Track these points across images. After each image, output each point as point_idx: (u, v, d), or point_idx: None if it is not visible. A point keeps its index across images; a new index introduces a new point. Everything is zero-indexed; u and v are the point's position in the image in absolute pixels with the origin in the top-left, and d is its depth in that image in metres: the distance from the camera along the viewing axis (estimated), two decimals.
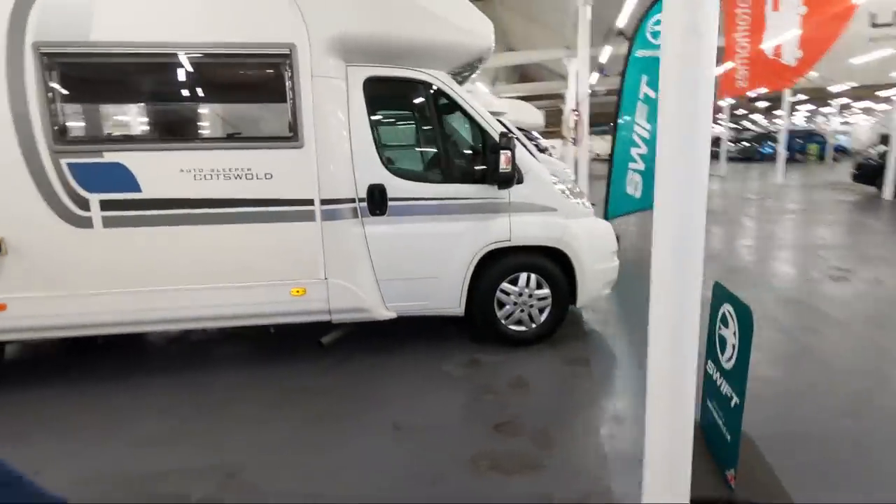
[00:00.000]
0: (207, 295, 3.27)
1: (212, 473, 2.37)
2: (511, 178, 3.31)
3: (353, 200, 3.32)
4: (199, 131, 3.30)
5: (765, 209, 10.63)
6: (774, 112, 32.55)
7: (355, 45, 3.15)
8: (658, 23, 6.71)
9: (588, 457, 2.42)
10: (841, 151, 30.20)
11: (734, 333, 1.75)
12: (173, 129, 3.29)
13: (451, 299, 3.59)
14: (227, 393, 3.21)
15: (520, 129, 11.21)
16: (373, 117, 3.33)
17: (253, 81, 3.19)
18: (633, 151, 7.15)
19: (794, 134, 27.38)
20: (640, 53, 6.98)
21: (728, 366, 1.81)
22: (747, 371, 1.67)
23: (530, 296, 3.67)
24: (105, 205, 3.10)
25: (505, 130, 3.33)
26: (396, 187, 3.37)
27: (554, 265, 3.66)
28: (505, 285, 3.63)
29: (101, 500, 2.21)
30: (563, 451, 2.46)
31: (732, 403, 1.77)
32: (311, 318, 3.43)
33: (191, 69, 3.09)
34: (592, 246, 3.74)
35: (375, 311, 3.47)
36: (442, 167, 3.55)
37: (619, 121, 7.02)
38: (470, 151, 3.71)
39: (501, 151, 3.20)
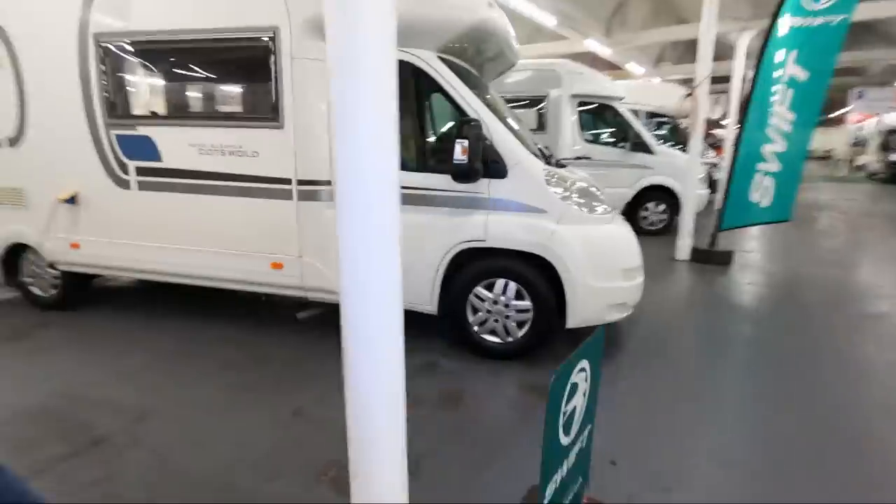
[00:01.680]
0: (206, 257, 3.67)
1: (127, 412, 2.71)
2: (468, 172, 2.94)
3: (328, 183, 3.32)
4: (201, 109, 3.66)
5: None
6: None
7: None
8: None
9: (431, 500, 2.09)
10: None
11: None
12: (182, 107, 3.71)
13: (421, 295, 3.38)
14: (186, 346, 3.59)
15: (655, 116, 9.80)
16: None
17: (245, 64, 3.39)
18: (766, 148, 5.73)
19: None
20: (789, 22, 5.50)
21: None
22: None
23: (507, 305, 3.25)
24: (139, 171, 3.68)
25: (473, 118, 2.96)
26: None
27: (538, 275, 3.16)
28: (480, 290, 3.28)
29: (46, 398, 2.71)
30: (415, 485, 2.16)
31: None
32: (288, 292, 3.59)
33: (192, 53, 3.44)
34: (590, 258, 3.11)
35: None
36: (416, 154, 3.32)
37: (750, 109, 5.66)
38: (447, 139, 3.38)
39: (457, 140, 2.85)
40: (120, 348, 3.57)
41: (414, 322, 3.37)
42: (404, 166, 3.13)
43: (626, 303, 3.32)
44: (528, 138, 3.68)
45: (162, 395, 2.92)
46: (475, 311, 3.33)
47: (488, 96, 3.91)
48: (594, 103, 7.73)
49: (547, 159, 3.43)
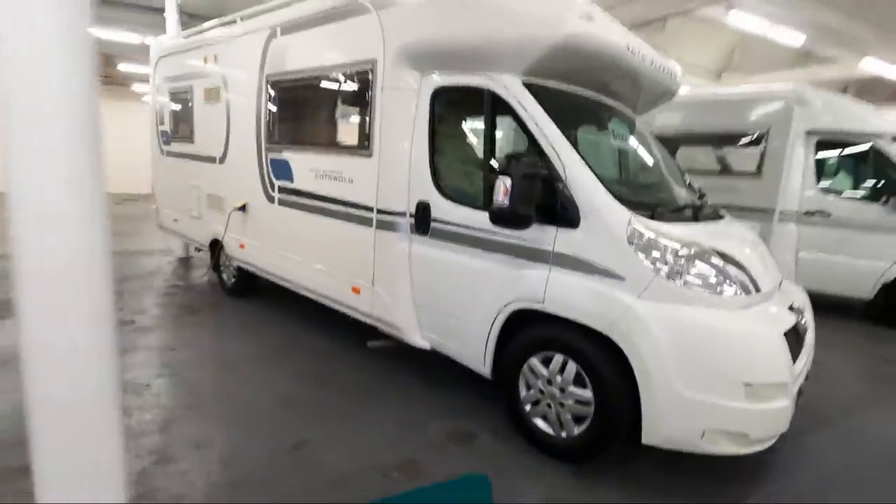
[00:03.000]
0: (311, 272, 3.97)
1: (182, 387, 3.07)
2: (509, 217, 2.38)
3: (404, 214, 3.21)
4: (318, 137, 3.96)
5: None
6: None
7: (423, 50, 2.99)
8: None
9: None
10: None
11: None
12: (305, 135, 4.09)
13: (475, 353, 2.94)
14: (284, 350, 3.86)
15: None
16: (438, 130, 3.08)
17: (349, 95, 3.56)
18: None
19: None
20: None
21: None
22: None
23: (562, 390, 2.54)
24: (280, 189, 4.25)
25: (525, 156, 2.44)
26: (440, 207, 3.02)
27: (605, 360, 2.38)
28: (535, 362, 2.65)
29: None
30: None
31: None
32: (362, 318, 3.59)
33: (314, 87, 3.80)
34: (682, 354, 2.19)
35: (408, 334, 3.28)
36: (474, 188, 2.90)
37: None
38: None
39: (500, 177, 2.34)
40: (239, 339, 4.13)
41: (482, 382, 2.97)
42: (477, 204, 2.81)
43: (746, 434, 2.22)
44: (665, 180, 3.11)
45: (212, 378, 3.24)
46: (528, 386, 2.71)
47: (615, 129, 3.25)
48: (844, 142, 5.71)
49: (695, 209, 2.80)
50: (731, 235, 2.82)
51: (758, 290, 2.45)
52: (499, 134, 2.90)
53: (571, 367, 2.49)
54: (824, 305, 5.90)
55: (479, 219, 2.80)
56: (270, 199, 4.36)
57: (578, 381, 2.48)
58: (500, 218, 2.43)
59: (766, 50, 10.52)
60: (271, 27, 4.11)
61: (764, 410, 2.21)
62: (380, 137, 3.24)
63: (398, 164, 3.18)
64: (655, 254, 2.31)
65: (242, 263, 4.95)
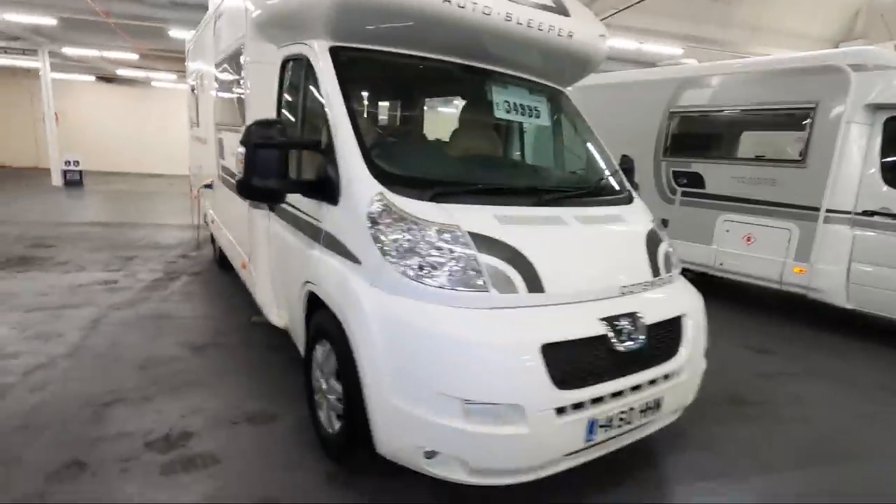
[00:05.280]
0: (231, 246, 4.15)
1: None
2: (244, 189, 2.17)
3: None
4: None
5: None
6: None
7: (270, 22, 2.89)
8: None
9: None
10: None
11: None
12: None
13: (297, 336, 2.83)
14: None
15: None
16: (283, 102, 2.93)
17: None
18: None
19: None
20: None
21: None
22: None
23: (327, 381, 2.33)
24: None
25: (269, 119, 2.28)
26: None
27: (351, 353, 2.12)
28: (317, 348, 2.46)
29: None
30: None
31: None
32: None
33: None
34: (396, 359, 1.86)
35: (267, 311, 3.24)
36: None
37: None
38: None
39: (239, 148, 2.16)
40: (179, 303, 4.49)
41: None
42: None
43: (465, 460, 1.82)
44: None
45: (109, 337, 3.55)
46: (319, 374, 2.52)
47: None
48: None
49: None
50: (557, 225, 2.27)
51: (538, 290, 1.97)
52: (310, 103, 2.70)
53: (333, 359, 2.26)
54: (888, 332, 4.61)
55: (295, 195, 2.65)
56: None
57: (337, 375, 2.24)
58: (241, 191, 2.26)
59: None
60: None
61: (488, 435, 1.78)
62: (250, 111, 3.23)
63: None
64: (394, 235, 1.97)
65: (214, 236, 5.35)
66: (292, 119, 2.84)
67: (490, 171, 2.87)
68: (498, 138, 3.21)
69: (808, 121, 4.70)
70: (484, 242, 1.98)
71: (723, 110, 5.40)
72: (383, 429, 1.94)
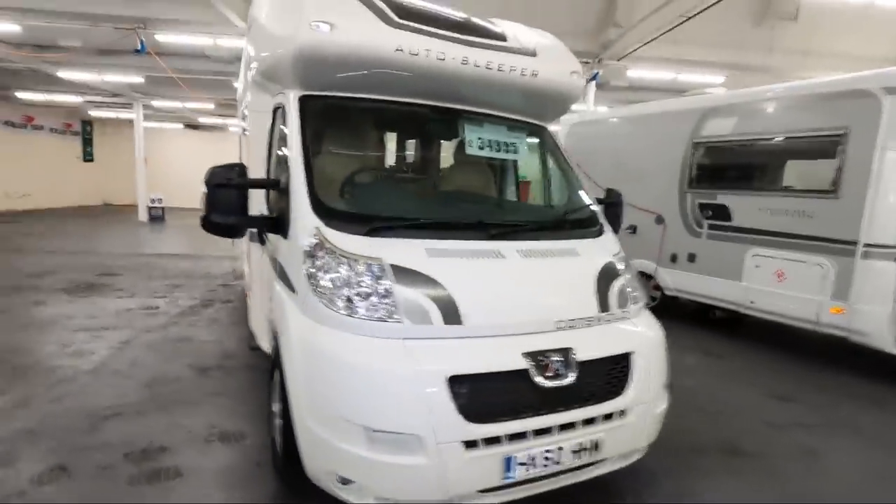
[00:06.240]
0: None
1: None
2: (207, 226, 2.37)
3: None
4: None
5: None
6: None
7: (258, 74, 3.23)
8: None
9: None
10: None
11: None
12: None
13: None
14: None
15: None
16: (272, 147, 3.23)
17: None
18: None
19: None
20: None
21: None
22: None
23: (275, 404, 2.47)
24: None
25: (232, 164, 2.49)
26: None
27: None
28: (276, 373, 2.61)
29: None
30: None
31: None
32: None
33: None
34: (311, 384, 1.99)
35: (258, 339, 3.48)
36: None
37: None
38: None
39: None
40: (203, 329, 4.87)
41: None
42: None
43: (373, 489, 1.86)
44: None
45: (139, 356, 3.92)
46: None
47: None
48: None
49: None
50: (492, 259, 2.28)
51: (455, 322, 2.00)
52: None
53: (277, 378, 2.40)
54: None
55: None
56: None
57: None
58: (203, 226, 2.49)
59: None
60: None
61: (389, 464, 1.81)
62: (251, 153, 3.57)
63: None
64: (321, 267, 2.10)
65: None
66: (276, 161, 3.12)
67: (442, 206, 2.94)
68: (461, 175, 3.31)
69: (840, 148, 4.36)
70: (405, 275, 2.06)
71: (748, 139, 5.13)
72: (305, 451, 2.03)
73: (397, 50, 2.57)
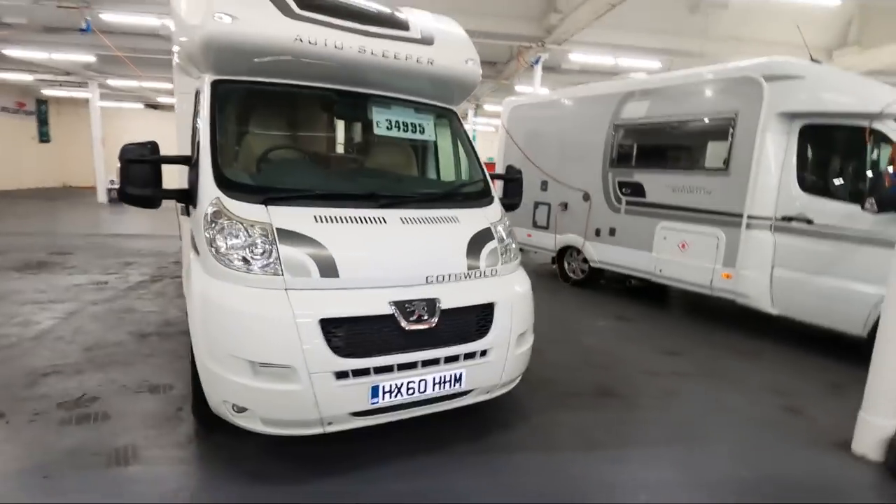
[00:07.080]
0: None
1: None
2: (122, 197, 2.66)
3: None
4: (672, 163, 5.58)
5: None
6: None
7: (185, 55, 3.48)
8: None
9: None
10: None
11: None
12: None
13: None
14: None
15: None
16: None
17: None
18: None
19: None
20: None
21: None
22: None
23: None
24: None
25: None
26: None
27: None
28: None
29: None
30: None
31: None
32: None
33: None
34: (205, 325, 2.34)
35: None
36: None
37: None
38: None
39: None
40: (160, 304, 5.15)
41: None
42: None
43: (258, 413, 2.24)
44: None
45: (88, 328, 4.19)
46: None
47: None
48: (836, 126, 4.37)
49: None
50: (375, 224, 2.63)
51: (332, 275, 2.37)
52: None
53: None
54: (815, 339, 4.61)
55: None
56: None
57: None
58: (120, 197, 2.78)
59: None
60: None
61: (269, 391, 2.20)
62: (179, 133, 3.84)
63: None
64: (219, 230, 2.43)
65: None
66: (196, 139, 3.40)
67: (339, 180, 3.26)
68: (372, 153, 3.63)
69: (730, 130, 4.84)
70: (289, 237, 2.41)
71: (659, 122, 5.58)
72: (205, 387, 2.39)
73: (296, 40, 2.86)
